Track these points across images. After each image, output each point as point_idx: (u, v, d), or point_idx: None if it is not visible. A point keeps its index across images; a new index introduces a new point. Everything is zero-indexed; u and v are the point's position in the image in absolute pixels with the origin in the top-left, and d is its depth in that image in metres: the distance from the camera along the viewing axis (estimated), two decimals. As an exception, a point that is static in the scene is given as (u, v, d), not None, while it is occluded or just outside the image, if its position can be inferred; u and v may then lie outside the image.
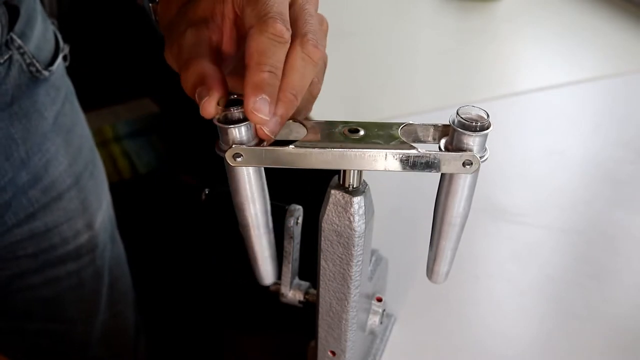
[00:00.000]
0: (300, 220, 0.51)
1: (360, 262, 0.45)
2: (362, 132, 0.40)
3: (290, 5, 0.41)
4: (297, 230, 0.51)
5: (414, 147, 0.39)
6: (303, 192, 0.57)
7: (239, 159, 0.38)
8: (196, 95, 0.39)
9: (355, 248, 0.44)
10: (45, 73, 0.66)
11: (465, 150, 0.38)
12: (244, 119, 0.38)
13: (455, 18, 1.16)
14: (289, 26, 0.39)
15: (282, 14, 0.39)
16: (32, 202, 0.69)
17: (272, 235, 0.46)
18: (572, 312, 0.62)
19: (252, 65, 0.37)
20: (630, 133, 0.86)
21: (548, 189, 0.76)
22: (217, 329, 1.07)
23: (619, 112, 0.91)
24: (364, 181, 0.43)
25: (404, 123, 0.41)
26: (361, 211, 0.43)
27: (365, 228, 0.43)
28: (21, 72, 0.63)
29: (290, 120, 0.41)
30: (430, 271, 0.46)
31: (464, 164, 0.38)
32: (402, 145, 0.39)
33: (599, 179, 0.78)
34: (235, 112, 0.38)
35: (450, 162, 0.38)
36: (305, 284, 0.54)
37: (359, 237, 0.43)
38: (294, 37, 0.39)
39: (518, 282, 0.65)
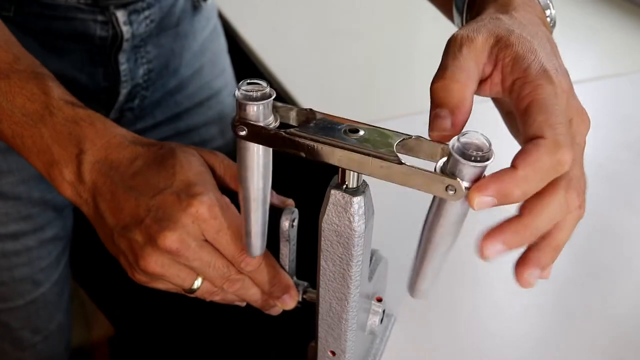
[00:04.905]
0: (295, 223, 0.51)
1: (360, 262, 0.45)
2: (361, 133, 0.40)
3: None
4: (292, 233, 0.51)
5: (399, 161, 0.38)
6: (303, 192, 0.57)
7: (242, 132, 0.40)
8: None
9: (355, 248, 0.44)
10: (202, 3, 0.83)
11: (455, 177, 0.36)
12: (262, 98, 0.40)
13: (456, 18, 1.16)
14: (572, 154, 0.38)
15: (571, 141, 0.38)
16: (177, 104, 0.86)
17: (267, 215, 0.47)
18: (572, 312, 0.62)
19: (516, 175, 0.36)
20: (630, 133, 0.86)
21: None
22: (216, 328, 1.07)
23: (619, 112, 0.91)
24: (364, 181, 0.43)
25: (411, 136, 0.39)
26: (361, 211, 0.43)
27: (365, 228, 0.43)
28: (186, 0, 0.80)
29: (307, 109, 0.42)
30: (410, 287, 0.44)
31: (446, 189, 0.36)
32: (390, 154, 0.38)
33: (599, 179, 0.78)
34: (255, 92, 0.40)
35: (432, 184, 0.37)
36: (303, 283, 0.54)
37: (359, 237, 0.43)
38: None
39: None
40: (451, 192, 0.36)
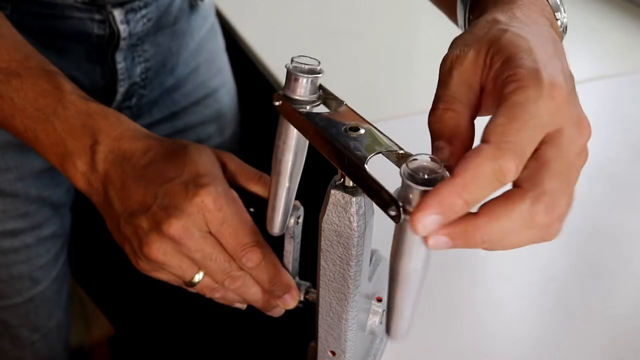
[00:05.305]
0: (301, 220, 0.51)
1: (360, 262, 0.45)
2: (361, 132, 0.40)
3: (549, 141, 0.35)
4: (297, 230, 0.51)
5: (362, 166, 0.37)
6: (303, 192, 0.57)
7: (276, 103, 0.43)
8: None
9: (355, 248, 0.44)
10: (199, 2, 0.83)
11: (397, 198, 0.34)
12: (310, 72, 0.42)
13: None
14: (521, 167, 0.33)
15: (524, 152, 0.34)
16: (174, 103, 0.86)
17: (293, 194, 0.48)
18: (572, 312, 0.62)
19: (454, 184, 0.32)
20: (630, 133, 0.86)
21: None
22: (216, 328, 1.07)
23: (619, 112, 0.91)
24: (364, 181, 0.43)
25: (401, 150, 0.38)
26: (361, 211, 0.43)
27: (365, 228, 0.43)
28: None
29: (339, 101, 0.43)
30: (386, 327, 0.40)
31: (388, 208, 0.34)
32: (360, 157, 0.38)
33: (599, 179, 0.78)
34: (305, 66, 0.42)
35: (380, 200, 0.35)
36: (305, 283, 0.54)
37: (359, 237, 0.43)
38: (529, 183, 0.34)
39: (518, 282, 0.65)
40: (392, 213, 0.34)
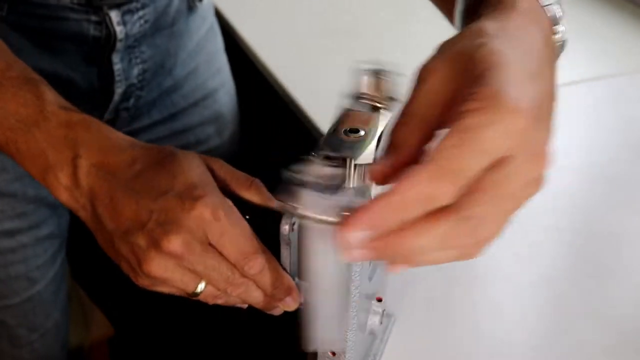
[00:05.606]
0: (296, 227, 0.51)
1: (360, 262, 0.45)
2: (360, 133, 0.40)
3: (494, 166, 0.34)
4: (293, 237, 0.51)
5: (334, 165, 0.38)
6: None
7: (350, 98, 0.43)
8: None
9: (355, 248, 0.44)
10: (198, 3, 0.83)
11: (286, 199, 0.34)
12: (369, 71, 0.43)
13: (455, 18, 1.16)
14: (457, 192, 0.33)
15: (464, 177, 0.33)
16: (173, 104, 0.86)
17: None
18: (572, 312, 0.62)
19: (388, 201, 0.32)
20: (631, 133, 0.86)
21: (548, 189, 0.76)
22: (216, 328, 1.06)
23: (619, 112, 0.91)
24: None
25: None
26: (361, 211, 0.43)
27: (365, 228, 0.43)
28: (181, 0, 0.80)
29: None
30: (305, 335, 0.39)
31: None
32: (335, 159, 0.38)
33: (599, 179, 0.78)
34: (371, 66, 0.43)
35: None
36: (305, 284, 0.54)
37: (358, 237, 0.43)
38: (457, 205, 0.34)
39: (518, 283, 0.65)
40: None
